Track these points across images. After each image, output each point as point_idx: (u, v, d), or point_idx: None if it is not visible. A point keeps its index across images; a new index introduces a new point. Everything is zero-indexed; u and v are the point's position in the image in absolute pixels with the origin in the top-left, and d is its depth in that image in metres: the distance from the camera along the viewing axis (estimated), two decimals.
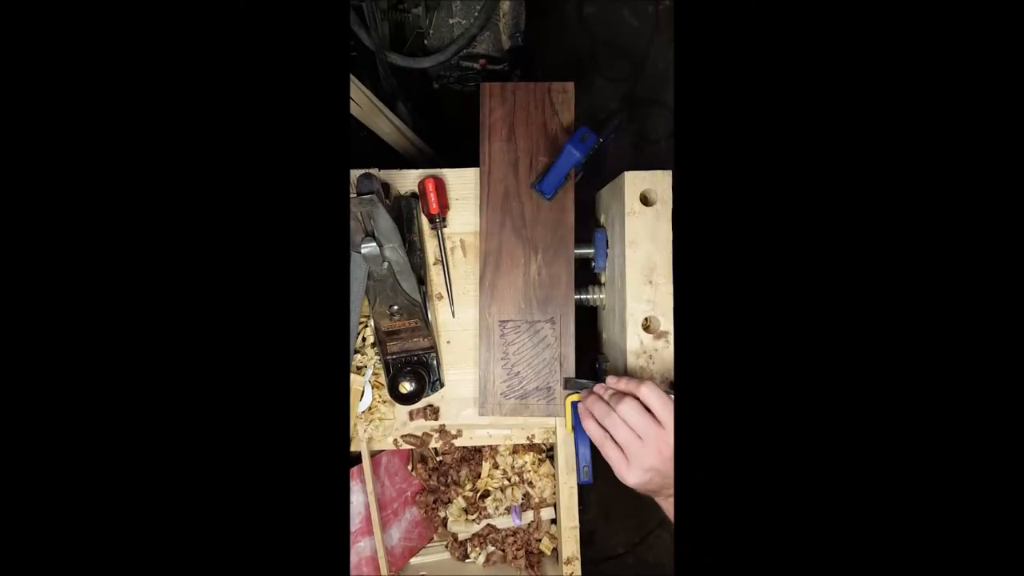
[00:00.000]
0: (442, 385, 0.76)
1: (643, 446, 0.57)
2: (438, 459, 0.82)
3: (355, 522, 0.76)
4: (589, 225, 0.79)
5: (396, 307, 0.71)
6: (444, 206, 0.74)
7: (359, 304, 0.71)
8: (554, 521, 0.80)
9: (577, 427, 0.70)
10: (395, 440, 0.76)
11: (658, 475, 0.58)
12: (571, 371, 0.71)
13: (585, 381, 0.68)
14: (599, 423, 0.60)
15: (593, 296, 0.78)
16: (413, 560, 0.81)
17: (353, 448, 0.76)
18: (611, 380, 0.62)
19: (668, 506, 0.62)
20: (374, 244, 0.66)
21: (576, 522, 0.73)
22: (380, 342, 0.73)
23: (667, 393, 0.58)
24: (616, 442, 0.59)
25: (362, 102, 0.87)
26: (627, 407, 0.58)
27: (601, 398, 0.61)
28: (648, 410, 0.57)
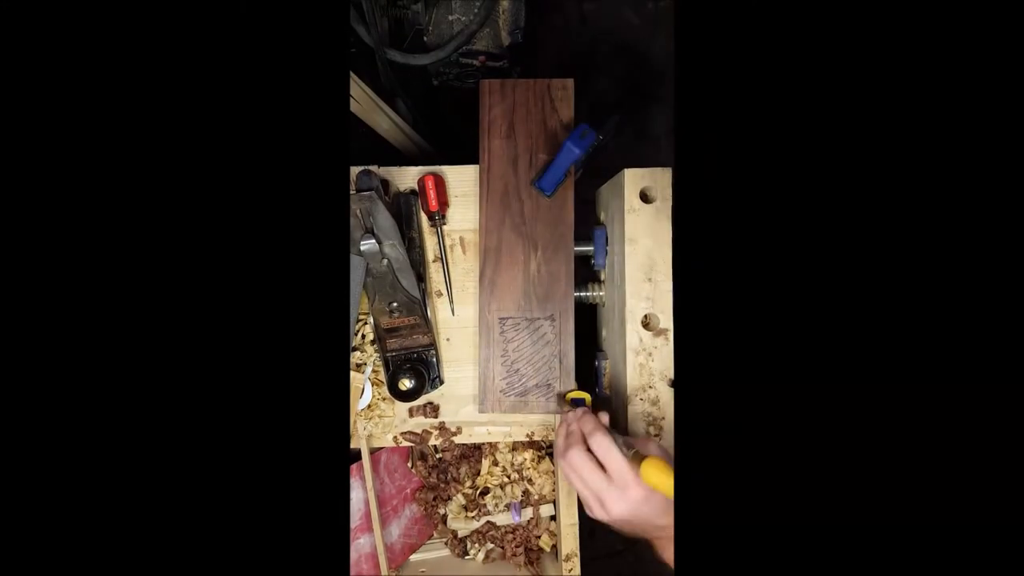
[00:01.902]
0: (442, 382, 0.76)
1: (593, 499, 0.56)
2: (438, 456, 0.82)
3: (355, 519, 0.76)
4: (589, 222, 0.79)
5: (395, 304, 0.71)
6: (444, 203, 0.74)
7: (357, 302, 0.71)
8: (554, 518, 0.80)
9: None
10: (395, 437, 0.76)
11: (623, 524, 0.56)
12: (571, 368, 0.71)
13: (574, 405, 0.68)
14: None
15: (593, 293, 0.78)
16: (413, 557, 0.81)
17: (353, 445, 0.76)
18: (575, 414, 0.61)
19: (659, 549, 0.60)
20: (373, 241, 0.66)
21: (576, 519, 0.73)
22: (379, 339, 0.73)
23: (615, 441, 0.56)
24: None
25: (361, 99, 0.87)
26: (575, 457, 0.56)
27: (567, 426, 0.61)
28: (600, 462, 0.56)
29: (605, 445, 0.56)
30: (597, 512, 0.56)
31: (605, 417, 0.62)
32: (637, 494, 0.54)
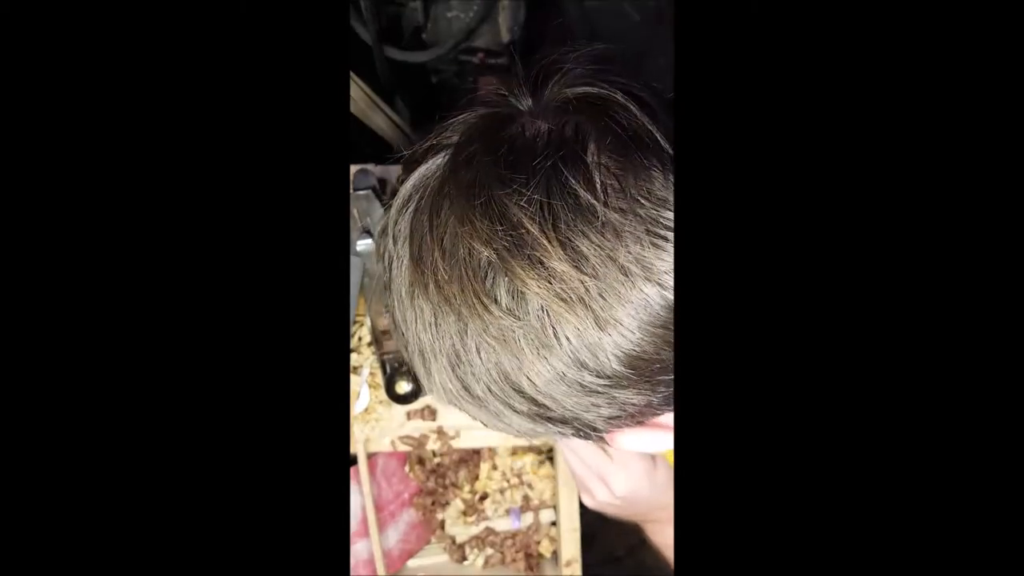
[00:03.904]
0: None
1: (595, 479, 0.55)
2: (436, 461, 0.81)
3: (351, 525, 0.75)
4: None
5: None
6: None
7: (354, 304, 0.70)
8: (554, 523, 0.79)
9: None
10: (392, 441, 0.75)
11: (616, 508, 0.56)
12: None
13: None
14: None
15: None
16: (410, 563, 0.80)
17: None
18: None
19: (651, 533, 0.59)
20: (370, 241, 0.65)
21: (577, 524, 0.72)
22: (376, 341, 0.72)
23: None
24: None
25: (359, 97, 0.86)
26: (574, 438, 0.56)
27: None
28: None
29: None
30: (599, 493, 0.55)
31: None
32: (639, 467, 0.54)
